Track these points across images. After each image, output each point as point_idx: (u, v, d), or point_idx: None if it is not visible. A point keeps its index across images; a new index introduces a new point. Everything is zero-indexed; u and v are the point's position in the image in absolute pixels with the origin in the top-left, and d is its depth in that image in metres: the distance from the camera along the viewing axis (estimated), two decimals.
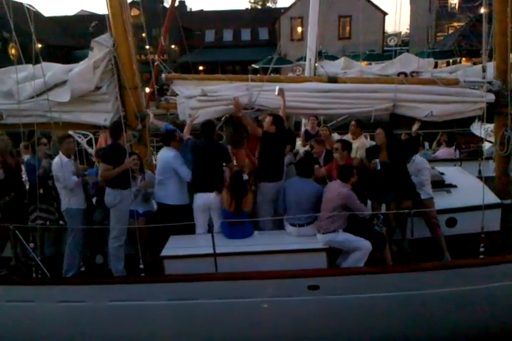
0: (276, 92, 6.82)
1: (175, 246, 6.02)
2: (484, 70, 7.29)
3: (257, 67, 30.92)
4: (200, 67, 37.74)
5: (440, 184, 7.42)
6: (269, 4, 62.47)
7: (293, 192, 6.15)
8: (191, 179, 6.51)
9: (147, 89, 10.24)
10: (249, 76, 7.23)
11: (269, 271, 5.62)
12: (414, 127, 8.23)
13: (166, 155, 6.66)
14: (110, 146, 6.38)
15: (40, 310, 5.74)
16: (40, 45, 6.09)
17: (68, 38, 42.02)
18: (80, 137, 10.40)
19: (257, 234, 6.40)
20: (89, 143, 10.60)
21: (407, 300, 5.60)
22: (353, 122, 7.64)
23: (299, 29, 37.58)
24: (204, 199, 6.40)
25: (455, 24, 40.06)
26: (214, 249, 5.58)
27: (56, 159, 6.21)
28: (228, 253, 5.73)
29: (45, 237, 6.75)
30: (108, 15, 6.69)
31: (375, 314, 5.70)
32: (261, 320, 5.77)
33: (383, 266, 5.92)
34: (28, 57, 6.54)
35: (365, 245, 5.81)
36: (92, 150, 9.94)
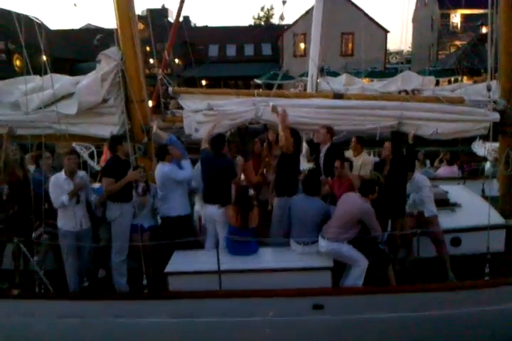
0: (270, 109, 6.76)
1: (179, 261, 5.97)
2: (489, 89, 7.30)
3: (260, 82, 31.12)
4: (204, 82, 38.00)
5: (444, 203, 7.39)
6: (273, 21, 62.95)
7: (298, 210, 6.07)
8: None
9: (150, 103, 10.29)
10: (256, 91, 7.29)
11: (274, 289, 5.56)
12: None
13: (161, 170, 6.48)
14: (110, 160, 6.34)
15: (41, 325, 5.67)
16: (45, 57, 6.13)
17: (73, 50, 42.34)
18: (82, 149, 10.40)
19: (262, 250, 6.32)
20: (92, 155, 10.58)
21: (413, 320, 5.54)
22: (353, 139, 7.56)
23: (302, 45, 37.90)
24: (208, 211, 6.41)
25: (457, 43, 40.45)
26: (218, 266, 5.53)
27: (56, 175, 6.11)
28: (232, 271, 5.67)
29: (50, 251, 6.68)
30: (116, 28, 6.75)
31: (380, 334, 5.63)
32: (264, 339, 5.69)
33: (389, 286, 5.85)
34: (33, 69, 6.59)
35: (365, 262, 5.76)
36: (94, 163, 9.93)
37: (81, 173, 6.30)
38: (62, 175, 6.09)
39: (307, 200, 6.10)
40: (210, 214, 6.40)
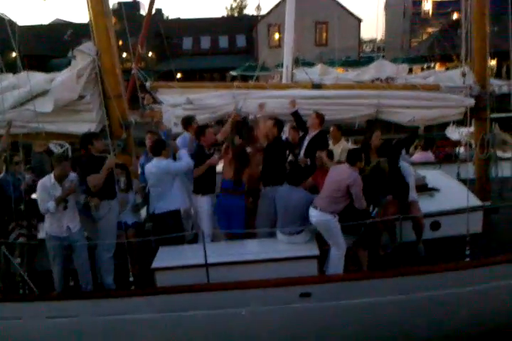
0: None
1: (165, 257, 5.96)
2: (464, 75, 7.42)
3: (236, 74, 31.03)
4: (179, 75, 37.67)
5: (423, 188, 7.51)
6: (246, 11, 62.68)
7: (282, 201, 6.14)
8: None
9: None
10: (235, 83, 7.26)
11: (261, 279, 5.61)
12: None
13: (157, 166, 6.33)
14: (84, 158, 6.22)
15: (29, 326, 5.63)
16: (14, 54, 6.01)
17: (43, 47, 41.47)
18: (56, 148, 10.26)
19: (249, 242, 6.39)
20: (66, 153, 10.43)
21: (399, 304, 5.65)
22: (333, 127, 7.58)
23: (276, 36, 37.87)
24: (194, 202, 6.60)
25: (429, 30, 40.91)
26: (206, 259, 5.54)
27: (44, 179, 5.81)
28: (220, 263, 5.69)
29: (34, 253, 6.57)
30: (90, 23, 6.64)
31: (368, 319, 5.74)
32: (254, 329, 5.75)
33: (374, 271, 5.95)
34: (5, 66, 6.45)
35: (344, 247, 5.88)
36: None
37: (72, 176, 5.95)
38: (50, 179, 5.80)
39: (291, 190, 6.16)
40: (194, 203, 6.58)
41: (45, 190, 5.71)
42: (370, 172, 6.27)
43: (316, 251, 5.85)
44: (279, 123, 6.74)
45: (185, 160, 6.37)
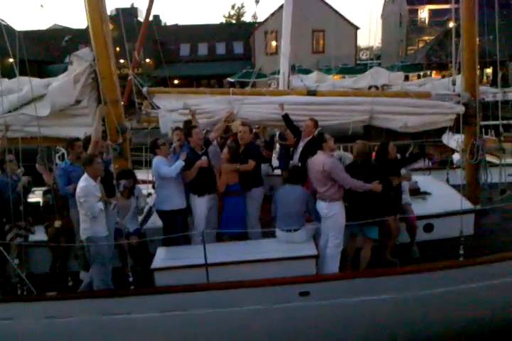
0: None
1: (164, 257, 6.04)
2: (454, 83, 7.60)
3: (233, 80, 31.17)
4: (176, 81, 37.81)
5: (416, 191, 7.79)
6: (244, 19, 63.00)
7: (281, 199, 6.31)
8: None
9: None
10: (231, 89, 7.35)
11: (260, 279, 5.70)
12: None
13: (153, 164, 6.59)
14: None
15: (27, 327, 5.65)
16: (12, 60, 6.06)
17: (41, 52, 41.56)
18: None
19: (248, 243, 6.52)
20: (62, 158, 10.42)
21: (396, 303, 5.76)
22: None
23: (274, 43, 38.06)
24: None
25: (425, 38, 41.24)
26: (205, 259, 5.61)
27: (82, 182, 5.69)
28: (219, 263, 5.76)
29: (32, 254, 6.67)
30: (88, 29, 6.73)
31: (366, 318, 5.84)
32: (254, 328, 5.82)
33: (372, 269, 6.10)
34: (2, 71, 6.51)
35: (342, 241, 6.08)
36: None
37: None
38: (89, 180, 5.69)
39: (290, 189, 6.36)
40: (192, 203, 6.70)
41: (91, 193, 5.60)
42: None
43: (314, 251, 5.97)
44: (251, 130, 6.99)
45: (172, 169, 6.41)
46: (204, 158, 6.58)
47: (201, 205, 6.57)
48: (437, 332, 6.10)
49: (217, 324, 5.75)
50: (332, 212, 6.03)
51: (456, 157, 11.27)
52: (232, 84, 30.82)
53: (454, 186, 7.72)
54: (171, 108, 7.13)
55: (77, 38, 35.50)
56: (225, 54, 45.49)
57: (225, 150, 6.81)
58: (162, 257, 6.06)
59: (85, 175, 5.74)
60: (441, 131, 11.16)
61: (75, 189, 5.92)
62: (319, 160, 6.05)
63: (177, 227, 6.62)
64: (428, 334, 6.10)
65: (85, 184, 5.64)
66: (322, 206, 6.12)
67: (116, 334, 5.74)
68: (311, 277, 5.83)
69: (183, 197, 6.67)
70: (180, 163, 6.42)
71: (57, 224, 6.46)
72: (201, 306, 5.66)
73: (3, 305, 5.78)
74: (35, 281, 5.95)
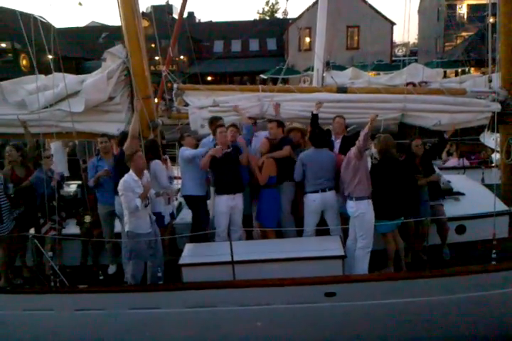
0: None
1: (192, 253, 6.10)
2: (490, 80, 7.38)
3: (266, 77, 31.12)
4: (209, 78, 38.04)
5: (448, 192, 7.53)
6: (277, 15, 62.79)
7: (313, 161, 6.41)
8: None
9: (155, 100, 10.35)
10: (260, 86, 7.36)
11: (286, 278, 5.69)
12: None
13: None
14: (121, 153, 6.37)
15: (58, 318, 5.81)
16: (51, 57, 6.21)
17: (79, 49, 42.51)
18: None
19: (275, 241, 6.52)
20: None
21: (423, 306, 5.65)
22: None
23: (307, 39, 37.73)
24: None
25: (463, 34, 40.15)
26: (232, 257, 5.65)
27: (125, 178, 5.74)
28: (245, 261, 5.78)
29: (65, 247, 6.83)
30: (121, 26, 6.84)
31: (391, 320, 5.76)
32: (278, 327, 5.82)
33: (399, 272, 6.06)
34: (40, 68, 6.69)
35: (371, 241, 6.06)
36: None
37: (145, 172, 6.02)
38: (132, 176, 5.75)
39: (319, 152, 6.49)
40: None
41: (130, 189, 5.65)
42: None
43: (341, 252, 5.92)
44: (281, 124, 6.92)
45: (193, 151, 6.72)
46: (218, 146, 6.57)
47: (219, 204, 6.58)
48: (466, 337, 5.95)
49: (242, 321, 5.78)
50: (359, 211, 6.00)
51: (495, 156, 10.95)
52: (264, 81, 30.78)
53: (489, 186, 7.48)
54: (200, 105, 7.17)
55: (114, 35, 36.15)
56: (259, 50, 45.46)
57: (264, 140, 6.76)
58: (190, 253, 6.12)
59: (130, 171, 5.82)
60: (480, 128, 10.85)
61: (95, 182, 6.31)
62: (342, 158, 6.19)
63: (202, 214, 6.75)
64: (456, 340, 5.96)
65: (126, 179, 5.72)
66: (349, 204, 6.10)
67: (145, 328, 5.83)
68: (338, 278, 5.77)
69: (202, 185, 6.75)
70: (203, 149, 6.63)
71: (88, 219, 6.62)
72: (226, 303, 5.69)
73: (37, 297, 5.94)
74: (68, 273, 6.13)
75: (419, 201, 6.57)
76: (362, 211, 6.00)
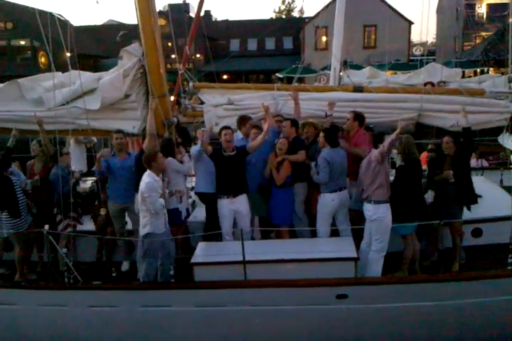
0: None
1: (204, 253, 6.10)
2: (510, 81, 7.25)
3: (282, 76, 31.06)
4: (225, 76, 38.09)
5: None
6: (294, 14, 62.65)
7: (335, 161, 6.32)
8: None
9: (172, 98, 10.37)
10: (275, 85, 7.32)
11: (298, 279, 5.66)
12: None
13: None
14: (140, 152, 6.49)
15: (71, 314, 5.87)
16: (69, 54, 6.25)
17: (97, 47, 42.90)
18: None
19: (286, 241, 6.47)
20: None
21: (435, 309, 5.58)
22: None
23: (324, 38, 37.62)
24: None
25: (483, 34, 39.61)
26: (244, 257, 5.63)
27: (146, 178, 5.80)
28: (257, 261, 5.76)
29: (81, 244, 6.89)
30: (138, 25, 6.86)
31: (402, 323, 5.70)
32: (288, 327, 5.79)
33: (410, 275, 5.96)
34: (58, 65, 6.74)
35: (386, 246, 5.97)
36: None
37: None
38: (152, 176, 5.79)
39: (337, 151, 6.44)
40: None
41: (154, 190, 5.70)
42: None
43: (353, 253, 5.85)
44: (295, 124, 6.83)
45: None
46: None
47: (221, 207, 6.53)
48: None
49: (252, 321, 5.76)
50: (377, 215, 5.93)
51: None
52: (280, 80, 30.71)
53: (508, 188, 7.34)
54: (215, 103, 7.17)
55: (132, 34, 36.40)
56: (275, 49, 45.42)
57: (283, 140, 6.66)
58: (202, 252, 6.12)
59: (148, 171, 5.83)
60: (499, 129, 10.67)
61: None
62: (366, 159, 6.09)
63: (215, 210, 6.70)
64: None
65: (149, 180, 5.73)
66: (368, 208, 6.03)
67: (156, 326, 5.85)
68: (350, 280, 5.72)
69: (214, 182, 6.68)
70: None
71: (103, 211, 6.64)
72: (237, 303, 5.68)
73: (51, 293, 6.00)
74: (82, 270, 6.18)
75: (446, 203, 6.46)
76: (381, 215, 5.94)
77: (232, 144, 6.48)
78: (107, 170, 6.61)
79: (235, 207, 6.49)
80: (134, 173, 6.43)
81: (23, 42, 39.17)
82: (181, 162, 6.64)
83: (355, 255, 5.81)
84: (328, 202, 6.40)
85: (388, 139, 5.83)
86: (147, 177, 5.77)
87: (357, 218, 6.57)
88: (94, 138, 8.30)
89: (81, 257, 6.80)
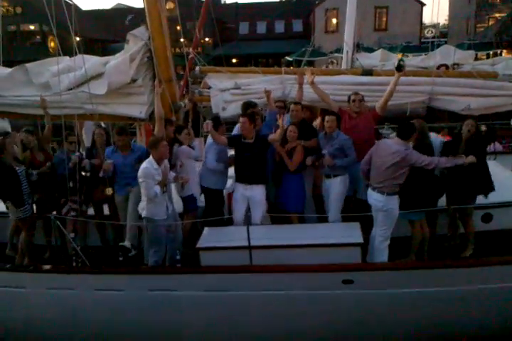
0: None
1: (210, 238, 6.11)
2: None
3: (291, 59, 30.75)
4: (234, 60, 37.79)
5: None
6: None
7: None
8: None
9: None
10: (283, 69, 7.22)
11: (304, 264, 5.64)
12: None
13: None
14: None
15: (78, 297, 5.92)
16: (78, 39, 6.18)
17: (105, 31, 42.70)
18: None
19: (293, 227, 6.46)
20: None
21: (440, 295, 5.54)
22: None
23: (334, 21, 37.15)
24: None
25: (496, 15, 38.82)
26: (249, 242, 5.62)
27: (145, 164, 5.80)
28: (263, 246, 5.74)
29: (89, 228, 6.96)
30: (144, 8, 6.77)
31: (408, 309, 5.67)
32: (292, 313, 5.80)
33: (417, 261, 5.93)
34: (67, 50, 6.69)
35: (389, 235, 5.91)
36: None
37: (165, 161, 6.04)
38: (152, 163, 5.79)
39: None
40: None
41: (150, 176, 5.69)
42: None
43: (360, 239, 5.79)
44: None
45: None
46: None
47: (236, 191, 6.46)
48: (486, 330, 5.83)
49: (257, 307, 5.77)
50: (388, 206, 5.83)
51: None
52: (289, 63, 30.42)
53: None
54: (222, 87, 7.10)
55: (140, 17, 36.16)
56: (284, 32, 44.91)
57: (293, 127, 6.52)
58: (208, 237, 6.12)
59: (150, 157, 5.82)
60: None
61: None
62: (388, 146, 5.79)
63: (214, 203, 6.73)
64: (477, 331, 5.83)
65: (146, 166, 5.73)
66: (378, 198, 5.87)
67: (162, 310, 5.89)
68: (356, 265, 5.69)
69: (218, 177, 6.68)
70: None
71: (109, 191, 6.58)
72: (243, 288, 5.69)
73: (59, 276, 6.06)
74: (90, 254, 6.23)
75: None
76: (391, 207, 5.84)
77: (248, 132, 6.31)
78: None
79: (249, 195, 6.37)
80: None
81: (32, 27, 39.13)
82: (192, 147, 6.63)
83: (361, 240, 5.76)
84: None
85: (439, 164, 5.64)
86: (145, 163, 5.77)
87: (352, 206, 6.54)
88: None
89: (92, 241, 6.84)
